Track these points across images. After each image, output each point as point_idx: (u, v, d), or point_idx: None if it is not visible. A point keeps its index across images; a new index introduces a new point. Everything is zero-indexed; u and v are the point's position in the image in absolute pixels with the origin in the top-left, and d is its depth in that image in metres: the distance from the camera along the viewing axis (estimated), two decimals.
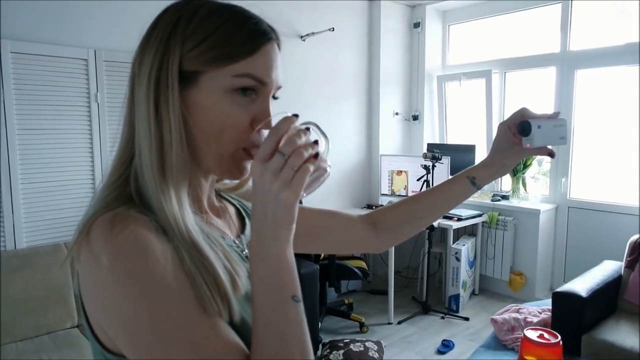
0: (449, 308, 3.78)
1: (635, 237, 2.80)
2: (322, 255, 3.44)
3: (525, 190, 4.08)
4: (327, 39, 3.89)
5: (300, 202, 0.56)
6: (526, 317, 2.63)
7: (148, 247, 0.53)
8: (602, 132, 3.77)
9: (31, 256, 2.46)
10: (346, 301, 3.84)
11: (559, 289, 2.54)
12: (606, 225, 3.61)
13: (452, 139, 4.65)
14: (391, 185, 4.19)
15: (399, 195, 4.09)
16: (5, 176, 2.45)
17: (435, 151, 3.63)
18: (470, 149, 4.12)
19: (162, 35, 0.59)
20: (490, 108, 4.16)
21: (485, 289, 4.17)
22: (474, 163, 0.91)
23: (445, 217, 3.78)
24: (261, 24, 0.62)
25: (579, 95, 3.79)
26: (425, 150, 3.92)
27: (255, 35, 0.60)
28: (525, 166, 3.96)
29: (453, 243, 3.82)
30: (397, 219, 0.93)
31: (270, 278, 0.53)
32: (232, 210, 0.78)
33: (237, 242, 0.72)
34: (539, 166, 4.17)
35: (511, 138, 0.83)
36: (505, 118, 0.85)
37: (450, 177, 0.96)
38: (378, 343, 3.00)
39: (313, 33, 3.77)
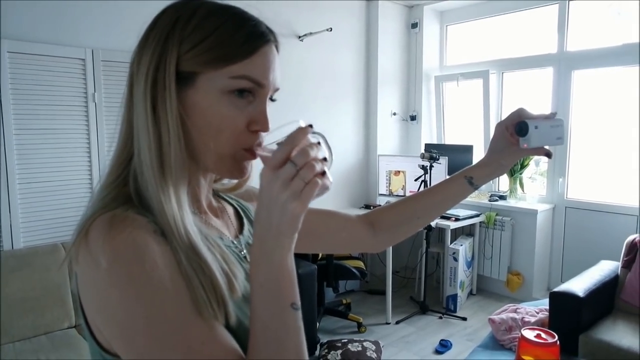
0: (447, 308, 3.79)
1: (632, 237, 2.81)
2: (320, 255, 3.44)
3: (523, 190, 4.08)
4: (324, 39, 3.89)
5: None
6: (524, 317, 2.64)
7: (146, 249, 0.53)
8: (599, 133, 3.78)
9: (29, 256, 2.45)
10: (344, 301, 3.84)
11: (556, 289, 2.55)
12: (603, 225, 3.62)
13: (449, 139, 4.66)
14: (389, 186, 4.20)
15: (396, 196, 4.09)
16: (3, 176, 2.45)
17: (433, 151, 3.64)
18: (467, 149, 4.12)
19: (160, 35, 0.59)
20: (487, 108, 4.16)
21: (482, 289, 4.18)
22: (471, 163, 0.91)
23: (443, 217, 3.79)
24: (259, 25, 0.62)
25: (576, 95, 3.80)
26: (422, 151, 3.92)
27: (253, 37, 0.60)
28: (523, 166, 3.96)
29: (451, 243, 3.82)
30: (395, 218, 0.93)
31: (270, 284, 0.53)
32: (230, 210, 0.78)
33: (235, 242, 0.72)
34: (537, 166, 4.18)
35: (508, 138, 0.84)
36: (503, 118, 0.85)
37: (447, 177, 0.96)
38: (376, 343, 3.00)
39: (311, 33, 3.77)
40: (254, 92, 0.61)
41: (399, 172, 4.15)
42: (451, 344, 3.21)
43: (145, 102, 0.58)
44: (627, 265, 2.74)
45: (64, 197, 2.64)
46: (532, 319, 2.62)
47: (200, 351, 0.51)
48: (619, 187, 3.62)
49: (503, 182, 4.31)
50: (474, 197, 4.17)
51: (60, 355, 2.22)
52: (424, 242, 3.79)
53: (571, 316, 2.46)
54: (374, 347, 2.92)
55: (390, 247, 3.46)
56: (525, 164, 3.96)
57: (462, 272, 3.83)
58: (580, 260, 3.49)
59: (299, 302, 0.55)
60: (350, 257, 3.65)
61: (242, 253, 0.71)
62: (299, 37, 3.77)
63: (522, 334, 1.16)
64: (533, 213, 3.80)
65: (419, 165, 3.71)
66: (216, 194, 0.77)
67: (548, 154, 0.83)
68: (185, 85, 0.59)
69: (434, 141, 4.66)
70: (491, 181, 4.28)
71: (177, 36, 0.58)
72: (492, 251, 4.04)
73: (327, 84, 4.05)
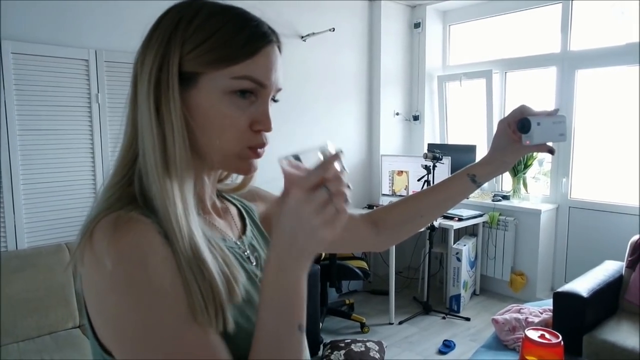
0: (450, 308, 3.78)
1: (636, 237, 2.80)
2: (323, 255, 3.44)
3: (526, 190, 4.07)
4: (327, 39, 3.89)
5: None
6: (527, 317, 2.63)
7: (150, 253, 0.53)
8: (602, 132, 3.77)
9: (33, 256, 2.46)
10: (347, 301, 3.84)
11: (560, 289, 2.54)
12: (607, 225, 3.60)
13: (452, 139, 4.65)
14: (392, 186, 4.20)
15: (399, 196, 4.09)
16: (7, 177, 2.45)
17: (436, 151, 3.63)
18: (470, 149, 4.11)
19: (163, 36, 0.59)
20: (490, 108, 4.15)
21: (486, 289, 4.17)
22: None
23: (446, 217, 3.78)
24: (262, 26, 0.62)
25: (580, 95, 3.79)
26: (425, 151, 3.92)
27: (255, 38, 0.60)
28: (526, 166, 3.95)
29: (454, 243, 3.82)
30: (398, 217, 0.93)
31: (281, 303, 0.54)
32: (234, 210, 0.78)
33: (238, 243, 0.72)
34: (540, 166, 4.17)
35: (511, 135, 0.83)
36: None
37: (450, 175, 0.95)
38: (379, 343, 3.00)
39: (313, 33, 3.77)
40: (256, 93, 0.61)
41: (401, 172, 4.15)
42: (454, 345, 3.21)
43: (149, 102, 0.58)
44: (632, 265, 2.73)
45: (67, 197, 2.65)
46: (536, 320, 2.61)
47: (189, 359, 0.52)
48: (623, 187, 3.61)
49: (506, 182, 4.29)
50: (477, 197, 4.16)
51: (64, 355, 2.23)
52: (427, 242, 3.78)
53: (575, 316, 2.45)
54: (377, 348, 2.92)
55: (393, 247, 3.46)
56: (529, 163, 3.95)
57: (466, 272, 3.82)
58: (584, 261, 3.48)
59: (304, 325, 0.55)
60: (354, 257, 3.65)
61: (245, 254, 0.71)
62: (302, 37, 3.77)
63: (525, 335, 1.16)
64: (536, 213, 3.79)
65: (422, 165, 3.70)
66: (219, 194, 0.77)
67: (551, 151, 0.82)
68: (188, 85, 0.59)
69: (437, 141, 4.66)
70: (494, 181, 4.28)
71: (180, 37, 0.59)
72: (496, 251, 4.03)
73: (330, 84, 4.05)
